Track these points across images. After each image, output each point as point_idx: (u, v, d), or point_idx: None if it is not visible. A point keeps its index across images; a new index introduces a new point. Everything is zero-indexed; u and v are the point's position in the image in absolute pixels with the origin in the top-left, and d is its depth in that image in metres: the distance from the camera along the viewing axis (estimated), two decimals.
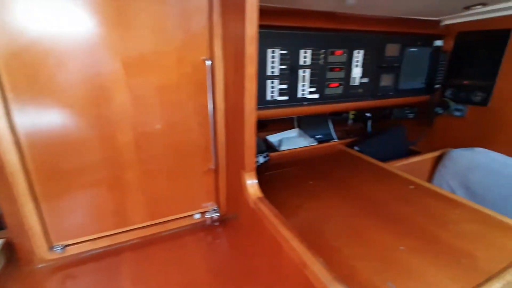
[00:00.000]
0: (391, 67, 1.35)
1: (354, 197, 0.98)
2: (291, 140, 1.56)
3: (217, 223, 0.87)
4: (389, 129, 1.51)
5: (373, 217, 0.85)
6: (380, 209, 0.90)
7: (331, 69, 1.20)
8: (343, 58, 1.22)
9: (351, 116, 1.61)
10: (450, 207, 0.91)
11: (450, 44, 1.45)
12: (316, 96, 1.21)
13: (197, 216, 0.85)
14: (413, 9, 1.19)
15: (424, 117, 1.58)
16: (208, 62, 0.67)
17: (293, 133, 1.66)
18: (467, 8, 1.16)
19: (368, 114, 1.49)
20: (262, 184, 1.05)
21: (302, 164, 1.27)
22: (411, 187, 1.05)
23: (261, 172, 1.14)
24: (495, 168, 1.24)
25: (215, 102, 0.74)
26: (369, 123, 1.72)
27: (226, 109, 0.79)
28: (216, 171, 0.83)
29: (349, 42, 1.21)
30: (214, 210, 0.85)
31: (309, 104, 1.21)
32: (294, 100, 1.17)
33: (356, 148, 1.45)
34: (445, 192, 1.00)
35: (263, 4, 0.95)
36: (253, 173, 0.78)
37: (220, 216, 0.87)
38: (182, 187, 0.80)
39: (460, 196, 0.97)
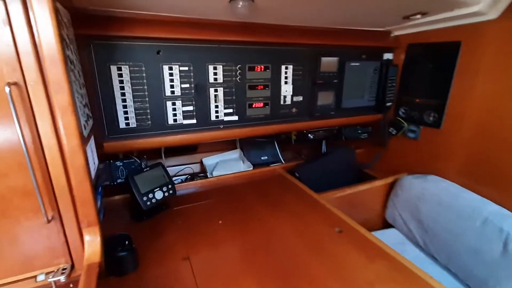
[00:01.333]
0: (329, 84, 1.18)
1: (260, 244, 0.80)
2: (228, 164, 1.38)
3: (71, 285, 0.69)
4: (334, 151, 1.34)
5: (268, 275, 0.67)
6: (282, 263, 0.72)
7: (252, 87, 1.04)
8: (266, 74, 1.05)
9: (293, 137, 1.44)
10: (369, 261, 0.73)
11: (401, 57, 1.29)
12: (234, 118, 1.04)
13: (41, 277, 0.67)
14: (349, 19, 1.04)
15: (378, 137, 1.41)
16: (7, 88, 0.50)
17: (233, 154, 1.48)
18: (407, 17, 1.01)
19: (310, 136, 1.33)
20: (158, 223, 0.87)
21: (225, 195, 1.09)
22: (337, 229, 0.87)
23: (167, 206, 0.96)
24: (445, 200, 1.06)
25: (40, 136, 0.56)
26: (324, 143, 1.54)
27: None
28: (61, 222, 0.65)
29: (273, 56, 1.05)
30: (63, 269, 0.67)
31: (226, 128, 1.04)
32: (206, 123, 1.00)
33: (296, 174, 1.27)
34: (373, 238, 0.82)
35: (145, 13, 0.81)
36: (93, 228, 0.60)
37: (74, 276, 0.68)
38: (8, 241, 0.62)
39: (387, 245, 0.79)
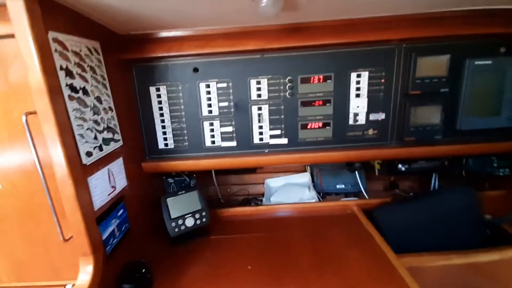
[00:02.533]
0: (432, 95, 0.79)
1: None
2: (291, 190, 1.19)
3: None
4: (443, 190, 0.89)
5: None
6: None
7: (307, 103, 0.82)
8: (327, 86, 0.80)
9: (376, 165, 1.06)
10: None
11: None
12: (283, 141, 0.85)
13: (69, 287, 0.72)
14: None
15: None
16: (23, 117, 0.53)
17: (302, 178, 1.26)
18: None
19: (401, 167, 0.92)
20: (189, 251, 0.80)
21: (272, 230, 0.91)
22: None
23: (205, 233, 0.88)
24: None
25: (47, 160, 0.58)
26: (435, 177, 1.08)
27: None
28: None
29: (337, 62, 0.79)
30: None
31: (273, 152, 0.86)
32: (248, 146, 0.86)
33: (374, 214, 0.93)
34: None
35: (178, 30, 0.74)
36: (87, 258, 0.58)
37: None
38: (41, 253, 0.69)
39: None
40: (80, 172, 0.56)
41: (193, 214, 0.86)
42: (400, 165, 0.92)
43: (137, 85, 0.81)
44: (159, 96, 0.82)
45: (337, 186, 1.22)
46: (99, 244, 0.61)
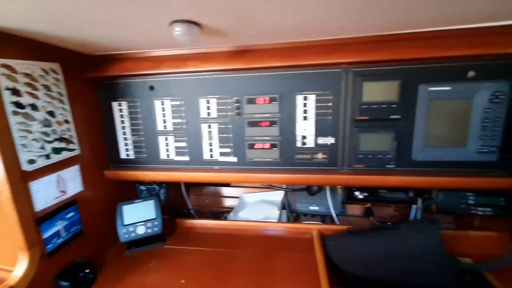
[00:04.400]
0: (381, 121, 0.74)
1: None
2: (260, 207, 1.18)
3: None
4: (401, 225, 0.81)
5: None
6: None
7: (253, 124, 0.82)
8: (273, 108, 0.80)
9: (339, 191, 0.99)
10: None
11: None
12: (232, 159, 0.86)
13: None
14: (413, 17, 0.60)
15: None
16: None
17: (277, 196, 1.25)
18: None
19: (358, 195, 0.85)
20: (136, 259, 0.86)
21: (226, 246, 0.92)
22: None
23: (162, 240, 0.94)
24: None
25: None
26: (415, 207, 0.98)
27: None
28: None
29: (283, 84, 0.78)
30: None
31: (222, 170, 0.88)
32: (199, 162, 0.89)
33: (326, 242, 0.88)
34: None
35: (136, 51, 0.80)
36: (24, 253, 0.65)
37: None
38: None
39: None
40: (19, 177, 0.64)
41: (145, 222, 0.91)
42: (357, 193, 0.87)
43: (101, 100, 0.89)
44: (120, 110, 0.89)
45: (310, 208, 1.18)
46: (35, 241, 0.69)
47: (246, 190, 1.31)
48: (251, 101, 0.80)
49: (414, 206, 0.97)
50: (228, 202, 1.34)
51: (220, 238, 0.97)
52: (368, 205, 1.11)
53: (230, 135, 0.84)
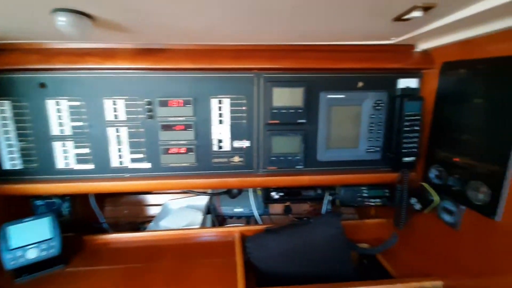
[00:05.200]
0: (290, 125, 0.80)
1: None
2: (184, 213, 1.14)
3: None
4: (310, 221, 0.89)
5: None
6: None
7: (167, 127, 0.78)
8: (188, 111, 0.78)
9: (258, 192, 1.05)
10: None
11: (432, 85, 0.77)
12: (146, 165, 0.81)
13: None
14: (315, 30, 0.67)
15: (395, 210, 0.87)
16: None
17: (201, 200, 1.22)
18: (399, 19, 0.56)
19: (275, 195, 0.92)
20: None
21: (141, 260, 0.84)
22: None
23: (64, 263, 0.80)
24: None
25: None
26: (326, 200, 1.08)
27: None
28: None
29: (197, 87, 0.77)
30: None
31: (134, 177, 0.81)
32: (106, 170, 0.80)
33: (246, 244, 0.90)
34: None
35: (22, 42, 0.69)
36: None
37: None
38: None
39: None
40: None
41: (39, 244, 0.77)
42: (273, 193, 0.92)
43: None
44: (3, 111, 0.74)
45: (235, 210, 1.19)
46: None
47: (171, 196, 1.25)
48: (164, 104, 0.77)
49: (326, 199, 1.07)
50: (152, 211, 1.26)
51: (137, 253, 0.90)
52: (288, 203, 1.18)
53: (142, 139, 0.79)
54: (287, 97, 0.77)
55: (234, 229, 1.00)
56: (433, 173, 0.77)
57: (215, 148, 0.81)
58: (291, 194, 0.95)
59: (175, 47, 0.74)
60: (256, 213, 1.13)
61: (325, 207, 1.06)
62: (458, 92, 0.68)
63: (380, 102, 0.79)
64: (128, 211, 1.25)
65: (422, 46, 0.77)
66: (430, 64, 0.77)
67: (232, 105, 0.79)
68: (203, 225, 1.09)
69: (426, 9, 0.51)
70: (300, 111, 0.78)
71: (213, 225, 1.15)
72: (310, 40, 0.75)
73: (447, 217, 0.72)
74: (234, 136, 0.80)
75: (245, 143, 0.81)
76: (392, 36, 0.73)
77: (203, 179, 0.82)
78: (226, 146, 0.81)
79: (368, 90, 0.80)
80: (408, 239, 0.88)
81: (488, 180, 0.60)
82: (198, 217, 1.11)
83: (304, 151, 0.81)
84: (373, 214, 1.08)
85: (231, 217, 1.22)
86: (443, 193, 0.73)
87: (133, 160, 0.80)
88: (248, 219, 1.21)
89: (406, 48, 0.79)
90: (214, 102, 0.78)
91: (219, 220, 1.20)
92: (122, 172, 0.81)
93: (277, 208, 1.22)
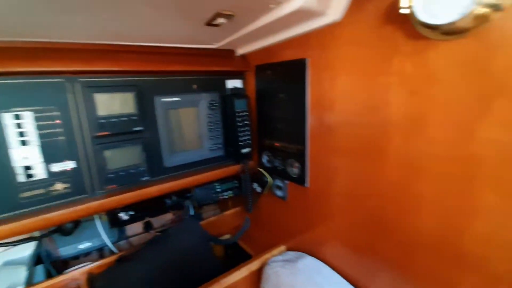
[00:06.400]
0: (125, 134, 0.72)
1: None
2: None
3: None
4: (170, 231, 0.85)
5: None
6: None
7: None
8: None
9: (103, 218, 0.94)
10: None
11: (252, 84, 0.91)
12: None
13: None
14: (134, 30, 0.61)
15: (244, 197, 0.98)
16: None
17: (23, 251, 0.90)
18: (210, 24, 0.61)
19: (122, 214, 0.84)
20: None
21: None
22: None
23: None
24: None
25: None
26: (187, 204, 1.04)
27: None
28: None
29: None
30: None
31: None
32: None
33: (97, 285, 0.74)
34: None
35: None
36: None
37: None
38: None
39: None
40: None
41: None
42: (121, 214, 0.81)
43: None
44: None
45: (80, 247, 0.97)
46: None
47: None
48: None
49: (187, 206, 1.06)
50: None
51: None
52: (146, 219, 1.08)
53: None
54: (115, 104, 0.69)
55: (77, 273, 0.81)
56: (264, 158, 0.91)
57: (21, 178, 0.61)
58: (144, 209, 0.87)
59: None
60: (109, 242, 0.96)
61: (189, 211, 1.05)
62: (268, 89, 0.83)
63: (214, 102, 0.86)
64: None
65: (240, 51, 0.89)
66: (248, 67, 0.90)
67: (37, 119, 0.61)
68: (29, 284, 0.82)
69: (228, 16, 0.58)
70: (134, 118, 0.71)
71: (48, 277, 0.89)
72: (129, 40, 0.70)
73: (279, 192, 0.88)
74: (49, 158, 0.63)
75: (69, 164, 0.66)
76: (213, 41, 0.80)
77: (8, 225, 0.60)
78: (40, 173, 0.63)
79: (202, 91, 0.84)
80: (257, 219, 1.02)
81: (297, 157, 0.77)
82: (21, 274, 0.82)
83: (148, 161, 0.75)
84: (231, 205, 1.18)
85: (76, 257, 0.98)
86: (274, 173, 0.88)
87: None
88: (101, 251, 1.03)
89: (228, 53, 0.89)
90: (7, 118, 0.58)
91: (58, 266, 0.94)
92: None
93: (135, 227, 1.09)
